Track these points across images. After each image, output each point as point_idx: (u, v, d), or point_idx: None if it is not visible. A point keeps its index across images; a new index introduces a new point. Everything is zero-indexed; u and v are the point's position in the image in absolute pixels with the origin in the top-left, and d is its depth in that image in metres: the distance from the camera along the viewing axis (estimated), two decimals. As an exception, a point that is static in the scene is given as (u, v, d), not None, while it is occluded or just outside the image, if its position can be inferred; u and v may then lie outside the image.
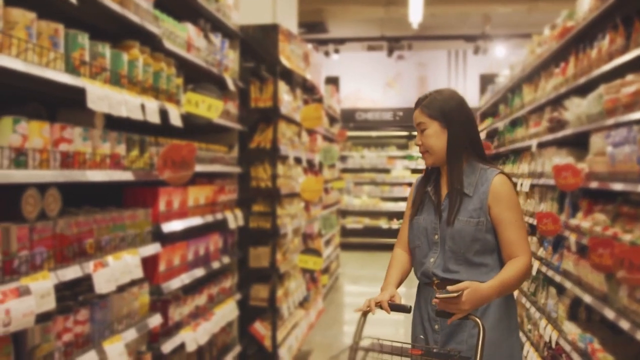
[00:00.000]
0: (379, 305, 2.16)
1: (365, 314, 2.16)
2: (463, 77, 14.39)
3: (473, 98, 13.66)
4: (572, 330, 4.14)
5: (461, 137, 2.28)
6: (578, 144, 4.43)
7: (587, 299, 3.69)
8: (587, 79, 3.96)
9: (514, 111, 6.77)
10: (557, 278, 4.52)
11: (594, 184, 3.70)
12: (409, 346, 2.05)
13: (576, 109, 4.15)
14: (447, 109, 2.28)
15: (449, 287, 2.00)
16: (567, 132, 4.38)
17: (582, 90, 4.20)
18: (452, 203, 2.26)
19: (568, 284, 4.20)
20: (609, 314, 3.26)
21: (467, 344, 2.20)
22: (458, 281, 2.10)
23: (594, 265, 3.29)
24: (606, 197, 3.92)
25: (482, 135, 9.61)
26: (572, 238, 4.08)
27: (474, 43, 12.44)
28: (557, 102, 4.87)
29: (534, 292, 5.49)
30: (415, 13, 9.94)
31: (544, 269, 5.02)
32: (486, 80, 10.38)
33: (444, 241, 2.27)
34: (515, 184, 2.32)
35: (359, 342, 2.07)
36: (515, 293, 2.37)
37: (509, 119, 7.04)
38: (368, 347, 2.06)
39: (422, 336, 2.33)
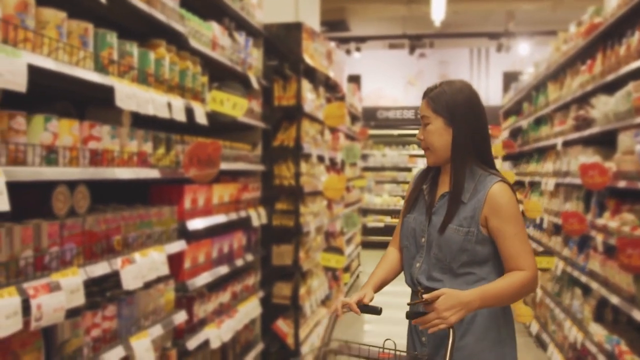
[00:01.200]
0: (348, 306, 2.03)
1: (336, 315, 2.04)
2: (485, 75, 14.26)
3: (495, 96, 13.55)
4: (598, 331, 4.08)
5: (465, 137, 2.05)
6: (605, 142, 4.37)
7: (615, 300, 3.63)
8: (615, 77, 3.90)
9: (539, 109, 6.69)
10: (583, 278, 4.47)
11: (622, 183, 3.65)
12: (379, 349, 1.97)
13: (603, 106, 4.09)
14: (454, 104, 2.05)
15: (425, 296, 1.87)
16: (594, 130, 4.32)
17: (610, 88, 4.14)
18: (443, 208, 2.08)
19: (594, 285, 4.14)
20: (638, 315, 3.21)
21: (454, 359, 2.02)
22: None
23: (622, 265, 3.24)
24: (634, 196, 3.86)
25: (505, 134, 9.52)
26: (599, 238, 4.03)
27: (497, 40, 12.32)
28: (583, 99, 4.81)
29: (559, 292, 5.43)
30: (438, 10, 9.87)
31: (568, 269, 4.96)
32: (509, 78, 10.28)
33: (431, 247, 2.09)
34: (515, 193, 2.10)
35: (329, 344, 1.99)
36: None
37: (533, 117, 6.97)
38: (337, 350, 1.98)
39: (391, 339, 2.14)
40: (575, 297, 4.88)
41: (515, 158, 8.93)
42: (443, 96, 2.07)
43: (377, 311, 2.03)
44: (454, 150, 2.06)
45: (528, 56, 12.22)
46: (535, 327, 6.17)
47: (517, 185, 8.32)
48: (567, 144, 5.31)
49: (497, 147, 9.48)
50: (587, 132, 4.50)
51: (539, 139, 6.66)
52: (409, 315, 1.93)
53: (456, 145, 2.06)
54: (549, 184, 5.67)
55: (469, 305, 1.88)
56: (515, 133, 8.76)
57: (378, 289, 2.20)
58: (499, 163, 11.72)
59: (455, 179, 2.06)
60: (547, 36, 11.15)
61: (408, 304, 1.97)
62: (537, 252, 6.19)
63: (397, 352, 1.95)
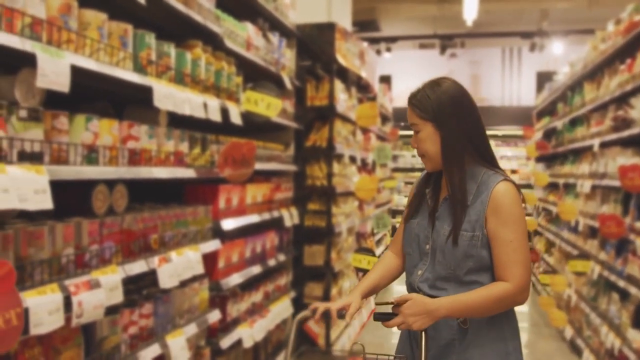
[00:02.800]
0: (327, 310, 1.93)
1: (304, 320, 1.99)
2: (518, 75, 14.07)
3: (528, 97, 13.35)
4: (637, 337, 3.98)
5: (457, 139, 1.92)
6: (645, 143, 4.26)
7: (656, 305, 3.54)
8: (657, 76, 3.79)
9: (574, 110, 6.56)
10: (621, 283, 4.36)
11: (664, 186, 3.55)
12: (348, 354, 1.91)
13: (644, 107, 3.99)
14: (439, 107, 1.92)
15: (393, 298, 1.83)
16: (634, 131, 4.21)
17: (651, 88, 4.03)
18: (445, 213, 1.96)
19: (633, 290, 4.04)
20: (681, 321, 3.12)
21: None
22: None
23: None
24: (677, 199, 3.75)
25: (539, 135, 9.37)
26: (638, 242, 3.93)
27: (530, 40, 12.12)
28: (622, 100, 4.70)
29: (594, 297, 5.31)
30: (470, 10, 9.77)
31: (605, 273, 4.85)
32: (543, 78, 10.11)
33: (435, 254, 1.97)
34: (522, 193, 1.96)
35: (290, 353, 1.94)
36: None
37: (569, 118, 6.83)
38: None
39: (360, 344, 2.04)
40: (612, 302, 4.76)
41: (548, 159, 8.78)
42: (427, 101, 1.94)
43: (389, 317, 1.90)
44: (445, 153, 1.93)
45: (562, 56, 12.01)
46: (569, 332, 6.05)
47: (551, 187, 8.18)
48: (604, 145, 5.19)
49: (530, 148, 9.34)
50: (626, 133, 4.39)
51: (574, 140, 6.53)
52: (376, 317, 1.87)
53: (446, 148, 1.93)
54: (585, 186, 5.55)
55: (434, 313, 1.81)
56: (549, 134, 8.61)
57: (367, 295, 2.09)
58: (531, 164, 11.55)
59: (451, 183, 1.93)
60: (582, 35, 10.94)
61: (376, 304, 1.91)
62: (571, 255, 6.07)
63: (368, 355, 1.90)
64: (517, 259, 1.86)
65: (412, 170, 13.86)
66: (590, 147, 5.61)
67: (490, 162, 2.01)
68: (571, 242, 6.41)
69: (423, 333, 1.83)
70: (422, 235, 2.01)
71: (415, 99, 1.97)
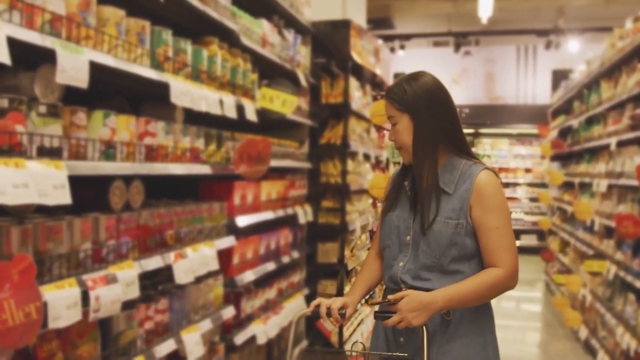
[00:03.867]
0: (328, 309, 1.97)
1: (315, 318, 1.99)
2: (533, 73, 13.96)
3: (543, 95, 13.25)
4: (654, 338, 3.94)
5: (431, 130, 1.96)
6: (664, 143, 4.21)
7: (674, 306, 3.50)
8: (677, 75, 3.74)
9: (591, 108, 6.50)
10: (638, 284, 4.32)
11: (683, 186, 3.50)
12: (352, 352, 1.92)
13: (664, 106, 3.94)
14: (414, 100, 1.97)
15: (389, 296, 1.86)
16: (653, 130, 4.16)
17: (671, 87, 3.98)
18: (427, 202, 1.96)
19: (651, 290, 4.00)
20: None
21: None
22: (427, 289, 1.91)
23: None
24: (696, 199, 3.71)
25: (554, 134, 9.29)
26: (657, 242, 3.88)
27: (545, 37, 12.02)
28: (640, 98, 4.65)
29: (610, 297, 5.26)
30: (485, 7, 9.70)
31: (621, 273, 4.81)
32: (559, 76, 10.02)
33: (417, 244, 1.98)
34: (502, 181, 2.01)
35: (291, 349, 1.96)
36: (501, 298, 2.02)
37: (585, 116, 6.77)
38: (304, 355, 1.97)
39: (361, 342, 2.09)
40: (628, 303, 4.72)
41: (564, 158, 8.71)
42: (403, 94, 1.98)
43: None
44: (416, 143, 1.97)
45: (578, 53, 11.89)
46: (583, 333, 6.00)
47: (567, 186, 8.11)
48: (621, 144, 5.14)
49: (545, 147, 9.27)
50: (644, 132, 4.35)
51: (590, 139, 6.47)
52: (376, 316, 1.91)
53: (418, 138, 1.96)
54: (601, 185, 5.50)
55: (431, 306, 1.84)
56: (565, 132, 8.53)
57: (364, 297, 2.13)
58: (546, 163, 11.45)
59: (419, 172, 1.97)
60: (599, 32, 10.82)
61: (371, 304, 1.93)
62: (587, 255, 6.02)
63: (368, 354, 1.94)
64: (505, 245, 1.91)
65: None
66: (607, 146, 5.56)
67: (467, 152, 2.05)
68: (586, 242, 6.36)
69: (424, 328, 1.84)
70: (402, 227, 2.04)
71: (392, 92, 2.02)
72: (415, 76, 2.02)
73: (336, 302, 1.99)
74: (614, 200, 5.33)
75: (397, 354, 1.97)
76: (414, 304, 1.83)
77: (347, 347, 4.94)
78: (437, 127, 1.97)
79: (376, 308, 2.05)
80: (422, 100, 1.97)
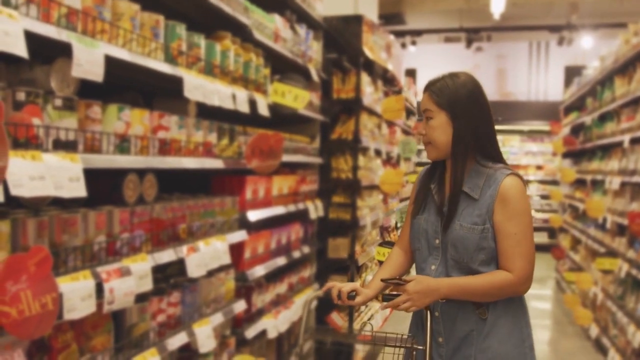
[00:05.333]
0: (339, 291, 2.03)
1: (323, 315, 2.01)
2: (545, 69, 13.87)
3: (555, 91, 13.16)
4: (666, 337, 3.92)
5: (468, 132, 1.97)
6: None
7: (687, 304, 3.47)
8: (693, 71, 3.71)
9: (604, 105, 6.45)
10: (651, 281, 4.29)
11: (698, 183, 3.47)
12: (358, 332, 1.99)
13: (679, 103, 3.90)
14: (456, 99, 1.97)
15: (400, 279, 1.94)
16: (667, 127, 4.13)
17: (686, 83, 3.94)
18: (454, 207, 1.99)
19: (663, 288, 3.97)
20: None
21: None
22: None
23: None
24: None
25: (566, 130, 9.23)
26: (670, 240, 3.86)
27: (558, 33, 11.92)
28: (655, 95, 4.60)
29: (622, 295, 5.23)
30: (497, 3, 9.64)
31: (633, 271, 4.78)
32: (572, 73, 9.94)
33: (446, 248, 2.01)
34: (527, 187, 2.01)
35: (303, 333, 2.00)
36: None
37: (598, 113, 6.72)
38: (315, 334, 1.99)
39: (370, 322, 2.16)
40: (640, 301, 4.69)
41: (576, 155, 8.65)
42: (446, 90, 1.99)
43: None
44: (455, 146, 1.98)
45: (591, 50, 11.79)
46: (594, 331, 5.98)
47: (578, 184, 8.06)
48: (635, 141, 5.10)
49: (557, 143, 9.21)
50: (658, 129, 4.31)
51: (603, 136, 6.42)
52: (385, 298, 1.96)
53: (457, 140, 1.98)
54: (614, 182, 5.46)
55: (435, 292, 1.91)
56: (577, 129, 8.48)
57: (382, 291, 2.12)
58: (558, 160, 11.39)
59: (455, 175, 1.99)
60: (612, 28, 10.73)
61: (382, 280, 1.98)
62: (598, 252, 5.99)
63: (377, 333, 2.01)
64: (519, 252, 1.92)
65: (436, 164, 13.76)
66: (620, 143, 5.52)
67: (496, 158, 2.05)
68: (598, 240, 6.32)
69: (428, 312, 1.91)
70: (430, 230, 2.05)
71: (434, 86, 2.02)
72: (458, 74, 2.03)
73: (346, 286, 2.05)
74: (626, 197, 5.30)
75: (402, 334, 2.02)
76: (421, 286, 1.90)
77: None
78: (474, 130, 1.98)
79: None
80: (464, 101, 1.97)
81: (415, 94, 10.45)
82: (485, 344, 1.97)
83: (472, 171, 2.00)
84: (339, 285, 2.05)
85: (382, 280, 1.99)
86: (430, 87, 2.03)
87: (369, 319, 5.15)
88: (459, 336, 1.98)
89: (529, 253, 1.94)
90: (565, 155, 9.18)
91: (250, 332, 3.39)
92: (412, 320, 2.21)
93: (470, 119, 1.98)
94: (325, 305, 4.79)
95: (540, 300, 8.69)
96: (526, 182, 2.02)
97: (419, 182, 2.17)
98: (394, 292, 1.96)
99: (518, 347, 2.00)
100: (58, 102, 1.92)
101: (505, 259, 1.94)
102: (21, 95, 1.80)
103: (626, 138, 5.19)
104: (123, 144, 2.24)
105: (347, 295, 2.03)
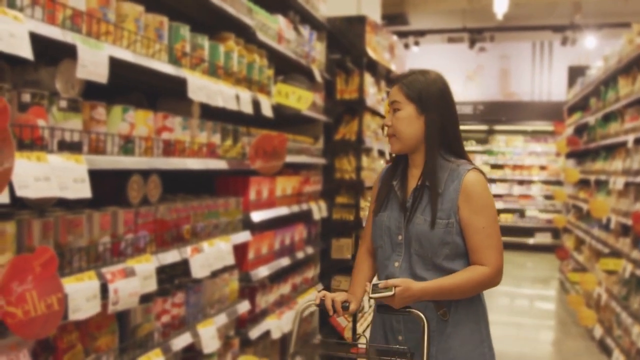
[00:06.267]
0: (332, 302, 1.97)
1: (326, 315, 1.95)
2: (548, 70, 13.84)
3: (558, 91, 13.13)
4: (671, 337, 3.91)
5: (439, 128, 2.00)
6: (683, 140, 4.16)
7: (691, 305, 3.46)
8: (697, 71, 3.70)
9: (607, 105, 6.44)
10: (655, 282, 4.28)
11: (702, 183, 3.47)
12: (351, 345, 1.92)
13: (683, 103, 3.90)
14: (427, 93, 1.99)
15: (381, 284, 1.86)
16: (671, 127, 4.12)
17: (690, 83, 3.93)
18: (420, 202, 2.00)
19: (668, 289, 3.96)
20: None
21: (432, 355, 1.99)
22: None
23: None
24: None
25: (569, 131, 9.22)
26: (675, 240, 3.85)
27: (561, 33, 11.90)
28: (659, 95, 4.60)
29: (626, 296, 5.22)
30: (501, 3, 9.63)
31: (638, 272, 4.77)
32: (575, 73, 9.92)
33: (410, 243, 2.01)
34: (488, 182, 2.03)
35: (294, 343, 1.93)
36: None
37: (602, 113, 6.71)
38: (306, 350, 1.94)
39: (364, 334, 2.11)
40: (645, 301, 4.68)
41: (579, 156, 8.64)
42: (417, 84, 2.01)
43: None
44: (428, 140, 2.00)
45: (595, 50, 11.77)
46: (598, 331, 5.96)
47: (582, 184, 8.05)
48: (639, 142, 5.09)
49: (560, 144, 9.20)
50: (662, 129, 4.30)
51: (607, 136, 6.41)
52: (380, 309, 1.93)
53: (429, 135, 2.00)
54: (618, 182, 5.45)
55: (420, 298, 1.90)
56: (581, 130, 8.46)
57: (361, 297, 2.12)
58: (561, 160, 11.37)
59: (429, 170, 2.00)
60: (616, 28, 10.70)
61: (371, 297, 1.91)
62: (602, 253, 5.97)
63: (371, 347, 1.97)
64: (490, 244, 1.95)
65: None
66: (624, 143, 5.51)
67: (460, 154, 2.07)
68: (602, 240, 6.31)
69: (424, 320, 1.86)
70: (393, 227, 2.05)
71: (405, 79, 2.04)
72: (429, 72, 2.07)
73: (339, 296, 2.01)
74: (630, 198, 5.29)
75: (397, 347, 1.99)
76: (407, 294, 1.86)
77: (361, 341, 4.94)
78: (443, 126, 2.01)
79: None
80: (434, 96, 2.00)
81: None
82: (447, 344, 1.99)
83: (436, 165, 2.02)
84: (330, 295, 2.02)
85: (370, 297, 1.89)
86: (401, 80, 2.05)
87: (368, 326, 5.14)
88: (419, 336, 1.95)
89: (498, 245, 1.97)
90: (569, 155, 9.17)
91: (254, 333, 3.39)
92: (373, 323, 2.19)
93: (439, 114, 2.00)
94: (328, 305, 4.79)
95: (544, 301, 8.68)
96: (487, 177, 2.06)
97: (381, 180, 2.18)
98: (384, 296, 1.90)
99: (478, 347, 2.03)
100: (63, 103, 1.93)
101: (477, 253, 1.96)
102: (26, 97, 1.80)
103: (630, 138, 5.18)
104: (127, 145, 2.24)
105: (341, 305, 1.98)
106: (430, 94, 2.00)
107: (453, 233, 1.97)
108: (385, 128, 2.08)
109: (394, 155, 2.13)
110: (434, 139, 2.00)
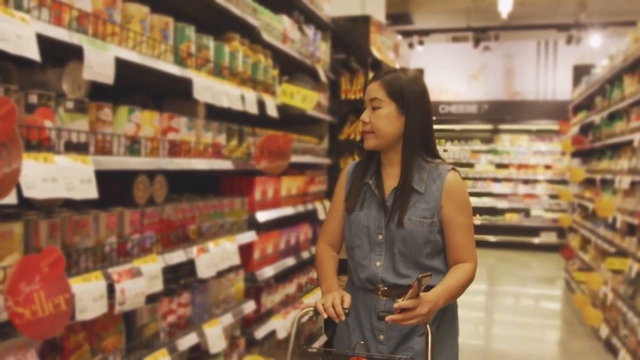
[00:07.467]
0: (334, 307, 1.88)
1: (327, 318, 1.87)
2: (553, 69, 13.81)
3: (563, 90, 13.10)
4: (678, 337, 3.89)
5: (418, 128, 2.00)
6: (689, 139, 4.15)
7: (698, 304, 3.45)
8: (703, 70, 3.69)
9: (613, 104, 6.42)
10: (661, 281, 4.27)
11: None
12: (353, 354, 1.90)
13: (689, 101, 3.88)
14: (409, 93, 1.98)
15: (396, 305, 1.77)
16: (677, 126, 4.10)
17: (696, 82, 3.92)
18: (404, 201, 1.99)
19: (674, 288, 3.95)
20: None
21: (413, 351, 2.01)
22: (408, 287, 1.83)
23: None
24: None
25: (575, 130, 9.19)
26: (681, 239, 3.83)
27: (566, 32, 11.87)
28: (665, 94, 4.58)
29: (632, 295, 5.21)
30: (505, 2, 9.62)
31: (644, 271, 4.75)
32: (580, 72, 9.90)
33: (392, 243, 2.00)
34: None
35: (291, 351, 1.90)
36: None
37: (607, 112, 6.69)
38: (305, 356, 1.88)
39: (362, 342, 2.03)
40: (651, 301, 4.67)
41: (584, 155, 8.61)
42: (399, 82, 1.99)
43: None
44: (407, 140, 2.00)
45: (600, 48, 11.74)
46: (604, 331, 5.94)
47: (587, 183, 8.02)
48: (644, 141, 5.07)
49: (565, 143, 9.18)
50: (668, 128, 4.29)
51: (612, 135, 6.39)
52: (381, 317, 1.84)
53: (409, 135, 2.00)
54: (624, 182, 5.44)
55: (437, 307, 1.88)
56: (586, 129, 8.44)
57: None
58: (566, 160, 11.34)
59: (410, 170, 2.01)
60: (621, 27, 10.67)
61: (379, 312, 1.90)
62: (608, 252, 5.96)
63: (371, 356, 1.96)
64: (471, 241, 2.05)
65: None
66: (629, 142, 5.49)
67: (435, 154, 2.09)
68: (608, 239, 6.29)
69: (428, 328, 1.83)
70: (372, 226, 2.03)
71: (387, 76, 2.02)
72: (409, 70, 2.08)
73: (337, 299, 1.91)
74: (636, 197, 5.27)
75: (400, 356, 1.95)
76: (427, 308, 1.82)
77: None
78: (423, 126, 2.02)
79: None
80: (415, 95, 2.00)
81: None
82: (422, 336, 1.99)
83: (415, 165, 2.02)
84: (330, 301, 1.91)
85: (400, 305, 1.79)
86: (382, 77, 2.02)
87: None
88: (401, 334, 2.02)
89: (474, 241, 2.07)
90: (574, 154, 9.14)
91: (260, 333, 3.39)
92: (349, 328, 2.13)
93: (420, 114, 2.01)
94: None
95: (549, 301, 8.66)
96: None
97: (351, 176, 2.14)
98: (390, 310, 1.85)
99: (450, 341, 2.12)
100: (69, 104, 1.94)
101: (461, 250, 2.02)
102: (33, 98, 1.81)
103: (636, 137, 5.17)
104: (133, 146, 2.25)
105: (342, 310, 1.89)
106: (411, 94, 1.99)
107: (435, 232, 2.01)
108: (362, 124, 2.05)
109: (367, 152, 2.09)
110: (414, 139, 2.00)
